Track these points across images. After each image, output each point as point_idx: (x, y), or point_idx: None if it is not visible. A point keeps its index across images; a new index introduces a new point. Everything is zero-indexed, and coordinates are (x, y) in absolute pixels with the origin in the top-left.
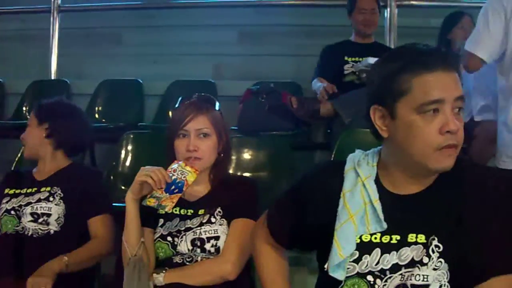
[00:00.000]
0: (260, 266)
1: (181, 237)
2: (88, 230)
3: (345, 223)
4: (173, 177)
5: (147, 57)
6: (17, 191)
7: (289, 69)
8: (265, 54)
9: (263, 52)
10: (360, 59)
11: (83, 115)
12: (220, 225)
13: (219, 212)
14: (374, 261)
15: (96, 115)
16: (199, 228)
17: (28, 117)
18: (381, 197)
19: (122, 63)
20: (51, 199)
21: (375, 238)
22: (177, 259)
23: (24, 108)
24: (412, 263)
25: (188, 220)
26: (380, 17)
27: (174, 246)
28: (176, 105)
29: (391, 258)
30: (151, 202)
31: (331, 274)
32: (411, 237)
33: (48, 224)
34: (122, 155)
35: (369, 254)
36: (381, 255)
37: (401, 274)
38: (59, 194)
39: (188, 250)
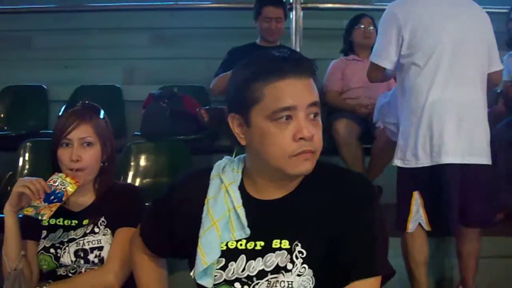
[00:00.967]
0: (137, 277)
1: (64, 249)
2: None
3: (208, 230)
4: (53, 188)
5: (58, 62)
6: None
7: (201, 72)
8: (178, 58)
9: (175, 55)
10: None
11: None
12: (103, 235)
13: (103, 221)
14: (240, 267)
15: None
16: (82, 238)
17: None
18: (244, 203)
19: (32, 68)
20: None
21: (241, 244)
22: (61, 271)
23: None
24: (277, 269)
25: (72, 231)
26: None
27: (57, 258)
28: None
29: (257, 265)
30: (28, 211)
31: (198, 281)
32: (276, 243)
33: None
34: (20, 164)
35: (235, 261)
36: (247, 261)
37: (267, 280)
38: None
39: (72, 261)
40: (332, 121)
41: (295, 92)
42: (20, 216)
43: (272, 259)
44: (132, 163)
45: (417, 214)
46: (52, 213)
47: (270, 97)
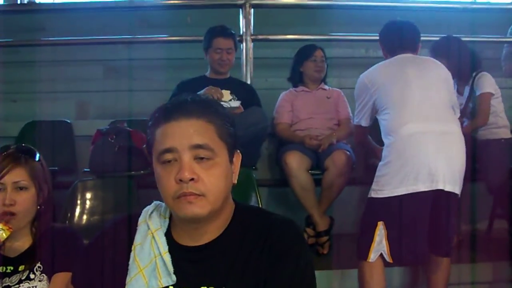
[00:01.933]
0: None
1: None
2: None
3: (134, 278)
4: None
5: (6, 96)
6: None
7: (154, 105)
8: (131, 90)
9: (128, 88)
10: None
11: None
12: (39, 281)
13: (39, 267)
14: None
15: None
16: (17, 286)
17: None
18: (171, 250)
19: None
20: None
21: None
22: None
23: None
24: None
25: (7, 278)
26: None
27: None
28: None
29: None
30: None
31: None
32: None
33: None
34: None
35: None
36: None
37: None
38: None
39: None
40: (282, 154)
41: (177, 134)
42: None
43: None
44: (78, 201)
45: (380, 245)
46: None
47: (158, 139)
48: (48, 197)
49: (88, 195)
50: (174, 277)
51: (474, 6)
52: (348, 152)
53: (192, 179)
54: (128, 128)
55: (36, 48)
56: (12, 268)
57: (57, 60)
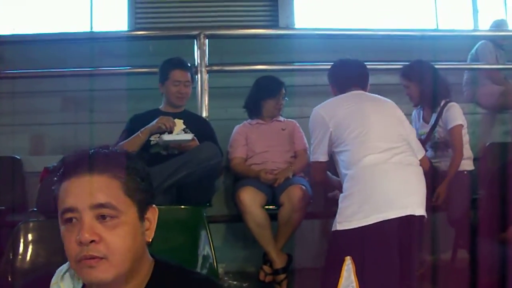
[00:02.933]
0: None
1: None
2: None
3: None
4: None
5: None
6: None
7: (115, 136)
8: (92, 122)
9: (89, 120)
10: None
11: None
12: None
13: None
14: None
15: None
16: None
17: None
18: None
19: None
20: None
21: None
22: None
23: None
24: None
25: None
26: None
27: None
28: None
29: None
30: None
31: None
32: None
33: None
34: None
35: None
36: None
37: None
38: None
39: None
40: (235, 189)
41: (78, 191)
42: None
43: None
44: (21, 244)
45: (348, 280)
46: None
47: (60, 197)
48: None
49: (33, 237)
50: None
51: (436, 33)
52: (304, 187)
53: (93, 241)
54: None
55: None
56: None
57: (15, 91)
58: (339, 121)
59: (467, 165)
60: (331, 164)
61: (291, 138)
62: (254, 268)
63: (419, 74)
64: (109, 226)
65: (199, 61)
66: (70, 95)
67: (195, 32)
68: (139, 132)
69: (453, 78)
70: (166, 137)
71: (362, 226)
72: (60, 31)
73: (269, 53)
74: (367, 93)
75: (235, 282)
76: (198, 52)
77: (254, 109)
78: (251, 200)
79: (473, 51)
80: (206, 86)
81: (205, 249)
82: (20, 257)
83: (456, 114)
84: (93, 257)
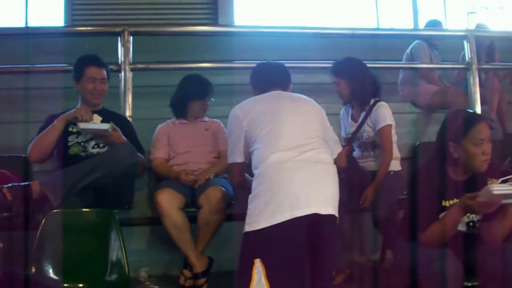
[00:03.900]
0: None
1: None
2: None
3: None
4: None
5: None
6: None
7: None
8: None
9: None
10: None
11: None
12: None
13: None
14: None
15: None
16: None
17: None
18: None
19: None
20: None
21: None
22: None
23: None
24: None
25: None
26: (115, 78)
27: None
28: None
29: None
30: None
31: None
32: None
33: None
34: None
35: None
36: None
37: None
38: None
39: None
40: (154, 191)
41: None
42: None
43: None
44: None
45: (259, 284)
46: None
47: None
48: None
49: None
50: None
51: (364, 32)
52: (223, 188)
53: None
54: None
55: None
56: None
57: None
58: (253, 119)
59: (394, 165)
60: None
61: (215, 139)
62: (179, 271)
63: (349, 71)
64: None
65: (122, 59)
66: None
67: (118, 29)
68: (55, 121)
69: (392, 78)
70: (82, 125)
71: (269, 226)
72: None
73: (207, 52)
74: (285, 92)
75: (156, 287)
76: (122, 49)
77: (179, 109)
78: (168, 202)
79: (408, 51)
80: (129, 85)
81: (116, 253)
82: None
83: (385, 114)
84: None
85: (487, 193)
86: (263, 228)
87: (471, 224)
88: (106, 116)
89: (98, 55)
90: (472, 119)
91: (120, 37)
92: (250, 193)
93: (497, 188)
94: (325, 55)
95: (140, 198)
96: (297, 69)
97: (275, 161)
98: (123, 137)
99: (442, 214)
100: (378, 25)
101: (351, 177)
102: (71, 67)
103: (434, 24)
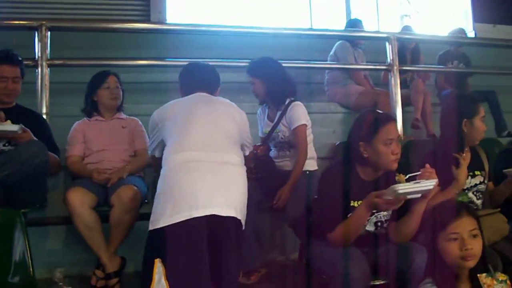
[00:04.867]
0: None
1: None
2: None
3: None
4: None
5: None
6: None
7: None
8: None
9: None
10: None
11: None
12: None
13: None
14: None
15: None
16: None
17: None
18: None
19: None
20: None
21: None
22: None
23: None
24: None
25: None
26: (31, 74)
27: None
28: None
29: None
30: None
31: None
32: None
33: None
34: None
35: None
36: None
37: None
38: None
39: None
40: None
41: None
42: None
43: None
44: None
45: (159, 284)
46: None
47: None
48: None
49: None
50: None
51: (288, 31)
52: (135, 187)
53: None
54: None
55: None
56: None
57: None
58: (166, 123)
59: (310, 165)
60: None
61: (132, 137)
62: None
63: (265, 71)
64: None
65: (39, 55)
66: None
67: (36, 24)
68: None
69: (321, 77)
70: None
71: (169, 225)
72: None
73: (137, 49)
74: (205, 94)
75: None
76: (39, 45)
77: (89, 107)
78: (79, 201)
79: (332, 52)
80: (46, 81)
81: (20, 254)
82: None
83: (300, 114)
84: None
85: (392, 192)
86: (163, 227)
87: (379, 224)
88: (19, 113)
89: (15, 50)
90: (381, 120)
91: (38, 32)
92: None
93: (402, 187)
94: (259, 54)
95: (55, 197)
96: (229, 68)
97: (179, 161)
98: (34, 138)
99: (351, 214)
100: (311, 26)
101: (266, 176)
102: None
103: (354, 23)
